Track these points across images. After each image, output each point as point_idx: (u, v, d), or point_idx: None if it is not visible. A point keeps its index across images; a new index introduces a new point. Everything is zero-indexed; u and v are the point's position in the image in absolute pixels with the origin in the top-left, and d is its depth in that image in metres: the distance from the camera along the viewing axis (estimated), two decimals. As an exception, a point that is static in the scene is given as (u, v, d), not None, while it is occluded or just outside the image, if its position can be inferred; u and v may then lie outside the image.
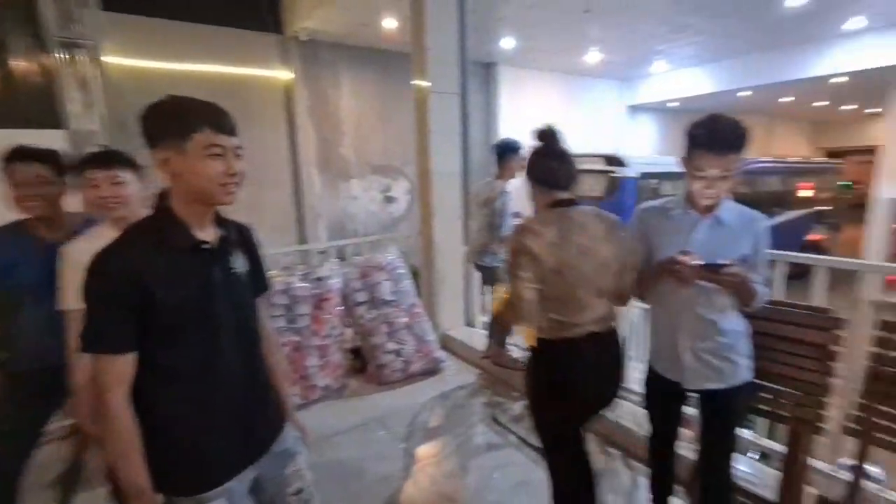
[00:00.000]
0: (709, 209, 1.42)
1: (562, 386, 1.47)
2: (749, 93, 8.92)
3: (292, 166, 5.58)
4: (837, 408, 1.59)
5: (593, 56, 7.52)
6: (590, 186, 6.07)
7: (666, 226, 1.49)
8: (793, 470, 1.61)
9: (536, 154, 1.51)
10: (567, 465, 1.56)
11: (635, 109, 10.17)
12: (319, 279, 2.96)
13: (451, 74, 3.36)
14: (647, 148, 10.22)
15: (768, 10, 5.61)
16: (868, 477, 1.69)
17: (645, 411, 1.70)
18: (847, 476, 1.57)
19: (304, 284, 2.88)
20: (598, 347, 1.46)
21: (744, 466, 1.92)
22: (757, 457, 2.06)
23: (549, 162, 1.48)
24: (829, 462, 1.85)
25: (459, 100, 3.43)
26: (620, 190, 5.66)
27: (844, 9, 5.79)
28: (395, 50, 5.91)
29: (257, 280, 1.15)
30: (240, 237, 1.11)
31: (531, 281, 1.39)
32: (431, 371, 3.18)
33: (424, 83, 3.29)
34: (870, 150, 10.89)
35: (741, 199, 1.47)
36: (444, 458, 2.34)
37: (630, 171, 5.75)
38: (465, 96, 3.47)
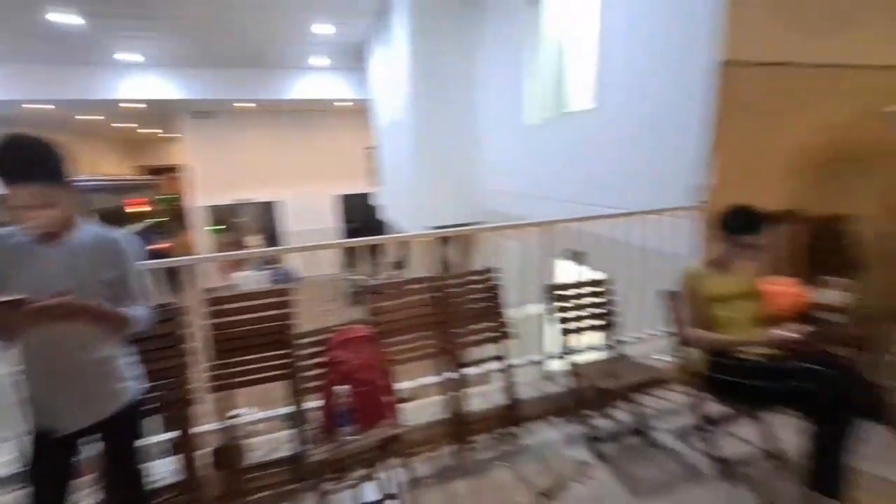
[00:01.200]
0: (55, 236, 1.29)
1: None
2: (52, 106, 8.21)
3: None
4: (202, 375, 1.96)
5: None
6: None
7: (12, 258, 1.26)
8: (185, 445, 1.86)
9: None
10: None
11: None
12: None
13: None
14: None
15: (39, 22, 5.30)
16: (239, 417, 2.20)
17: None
18: (226, 423, 2.00)
19: None
20: None
21: (157, 468, 1.97)
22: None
23: None
24: (220, 418, 2.12)
25: None
26: None
27: (112, 41, 6.41)
28: None
29: None
30: None
31: None
32: None
33: None
34: (176, 168, 13.08)
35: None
36: None
37: None
38: None
